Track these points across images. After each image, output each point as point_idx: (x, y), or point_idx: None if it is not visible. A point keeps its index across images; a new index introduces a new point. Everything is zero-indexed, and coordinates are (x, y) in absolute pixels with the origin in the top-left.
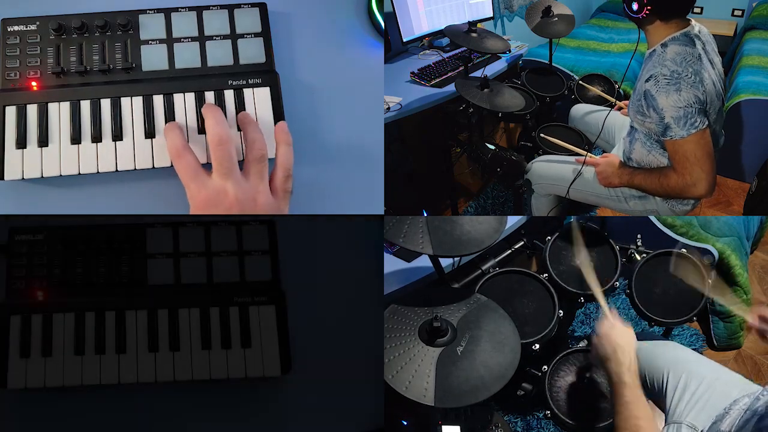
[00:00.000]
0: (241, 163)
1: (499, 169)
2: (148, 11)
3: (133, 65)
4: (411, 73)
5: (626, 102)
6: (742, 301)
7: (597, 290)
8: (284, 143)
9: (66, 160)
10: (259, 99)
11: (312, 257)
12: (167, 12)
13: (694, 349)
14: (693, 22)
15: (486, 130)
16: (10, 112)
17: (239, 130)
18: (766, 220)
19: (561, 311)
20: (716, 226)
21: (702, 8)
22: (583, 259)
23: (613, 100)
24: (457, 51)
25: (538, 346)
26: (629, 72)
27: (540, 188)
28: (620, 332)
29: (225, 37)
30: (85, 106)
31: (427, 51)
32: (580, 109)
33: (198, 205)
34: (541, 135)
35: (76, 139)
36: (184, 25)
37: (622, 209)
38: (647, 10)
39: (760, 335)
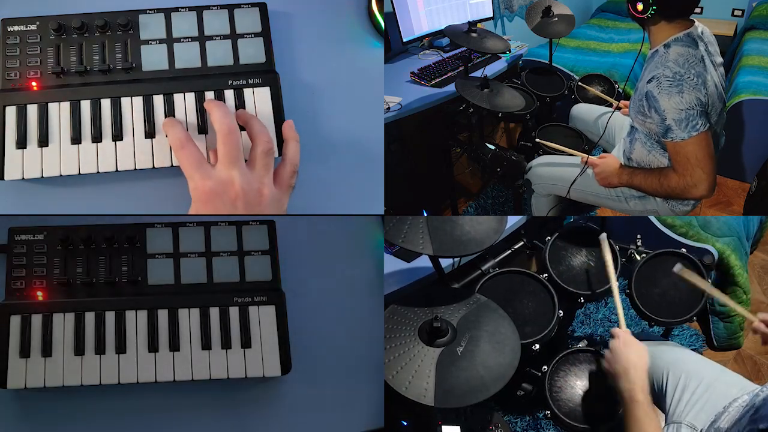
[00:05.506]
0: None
1: (499, 169)
2: (148, 11)
3: (133, 65)
4: (411, 73)
5: (626, 102)
6: (741, 301)
7: (618, 301)
8: (293, 140)
9: (66, 160)
10: (259, 99)
11: (312, 257)
12: (167, 12)
13: (694, 349)
14: (696, 22)
15: (486, 130)
16: (10, 112)
17: (242, 129)
18: (766, 220)
19: (561, 311)
20: (716, 226)
21: (702, 8)
22: (610, 267)
23: (612, 100)
24: (457, 51)
25: (538, 346)
26: (628, 71)
27: (540, 188)
28: (634, 350)
29: (225, 37)
30: (85, 106)
31: (427, 51)
32: (580, 109)
33: (201, 196)
34: (537, 140)
35: (76, 139)
36: (184, 25)
37: (622, 209)
38: (652, 10)
39: (762, 338)
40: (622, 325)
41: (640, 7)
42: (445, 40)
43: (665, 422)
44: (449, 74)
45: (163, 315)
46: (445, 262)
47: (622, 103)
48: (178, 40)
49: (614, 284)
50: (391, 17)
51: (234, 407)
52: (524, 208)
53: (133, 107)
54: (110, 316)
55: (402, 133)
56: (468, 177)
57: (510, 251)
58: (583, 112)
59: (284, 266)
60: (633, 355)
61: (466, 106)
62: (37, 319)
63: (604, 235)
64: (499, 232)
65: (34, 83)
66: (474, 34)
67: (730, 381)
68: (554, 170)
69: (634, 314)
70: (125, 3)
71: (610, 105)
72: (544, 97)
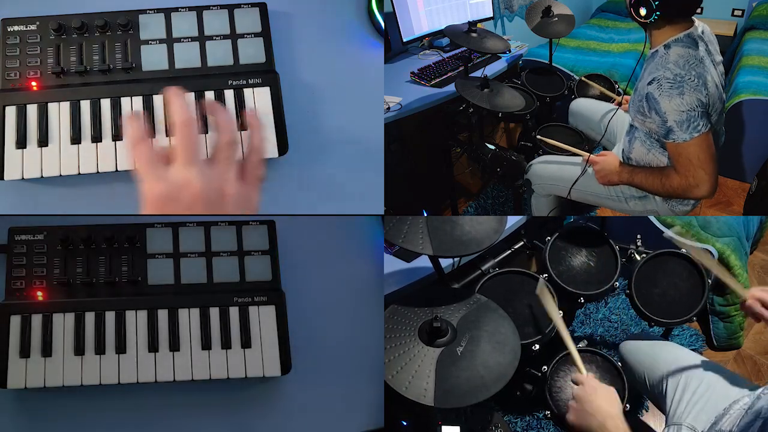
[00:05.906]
0: None
1: (499, 169)
2: (148, 11)
3: (133, 65)
4: (411, 73)
5: (627, 97)
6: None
7: (571, 346)
8: (255, 128)
9: (66, 160)
10: (259, 99)
11: (312, 257)
12: (167, 12)
13: (693, 349)
14: (697, 22)
15: (486, 130)
16: (10, 112)
17: (241, 128)
18: (766, 220)
19: (561, 311)
20: (716, 226)
21: (702, 8)
22: (555, 316)
23: (614, 95)
24: (457, 51)
25: (538, 346)
26: (628, 71)
27: (540, 188)
28: (603, 396)
29: (225, 37)
30: (85, 106)
31: (427, 51)
32: (580, 105)
33: (154, 202)
34: (538, 137)
35: (76, 139)
36: (184, 25)
37: (622, 209)
38: (655, 15)
39: (753, 316)
40: (582, 371)
41: (643, 12)
42: (445, 40)
43: (665, 423)
44: (449, 74)
45: (163, 315)
46: (445, 262)
47: (624, 98)
48: (178, 40)
49: (564, 331)
50: (391, 17)
51: (234, 407)
52: (524, 208)
53: (132, 107)
54: (110, 316)
55: (402, 133)
56: (468, 177)
57: (510, 251)
58: (583, 107)
59: (284, 266)
60: (604, 402)
61: (466, 106)
62: (37, 319)
63: (541, 280)
64: (499, 232)
65: (34, 83)
66: (474, 34)
67: (730, 381)
68: (554, 170)
69: (634, 314)
70: (125, 3)
71: (612, 100)
72: (544, 97)
